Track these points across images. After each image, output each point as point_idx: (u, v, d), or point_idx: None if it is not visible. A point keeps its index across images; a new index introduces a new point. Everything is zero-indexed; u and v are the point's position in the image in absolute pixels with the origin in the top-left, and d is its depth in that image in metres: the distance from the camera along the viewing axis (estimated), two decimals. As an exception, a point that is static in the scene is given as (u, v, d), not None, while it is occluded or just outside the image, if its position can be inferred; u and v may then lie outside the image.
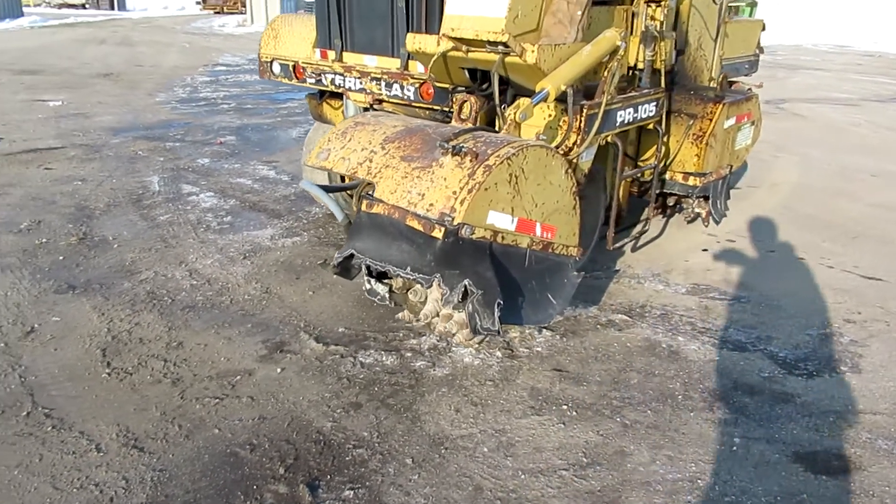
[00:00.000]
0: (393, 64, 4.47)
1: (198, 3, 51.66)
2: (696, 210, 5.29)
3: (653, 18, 4.24)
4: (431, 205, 2.97)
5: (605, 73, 3.74)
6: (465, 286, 2.95)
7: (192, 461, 2.75)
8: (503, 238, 3.13)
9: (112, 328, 3.75)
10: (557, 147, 3.58)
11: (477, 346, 3.61)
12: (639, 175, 4.76)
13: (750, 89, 6.00)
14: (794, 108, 11.91)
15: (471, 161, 3.00)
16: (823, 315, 4.13)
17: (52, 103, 10.30)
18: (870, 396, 3.30)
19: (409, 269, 3.03)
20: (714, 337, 3.84)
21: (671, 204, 5.40)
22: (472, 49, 3.61)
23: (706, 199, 5.04)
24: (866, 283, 4.60)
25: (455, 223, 2.89)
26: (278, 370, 3.40)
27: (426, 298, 3.38)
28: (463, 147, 3.02)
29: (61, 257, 4.65)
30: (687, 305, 4.22)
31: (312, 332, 3.77)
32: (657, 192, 5.07)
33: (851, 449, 2.92)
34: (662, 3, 4.24)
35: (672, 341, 3.78)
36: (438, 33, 3.71)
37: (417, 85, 4.37)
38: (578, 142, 3.66)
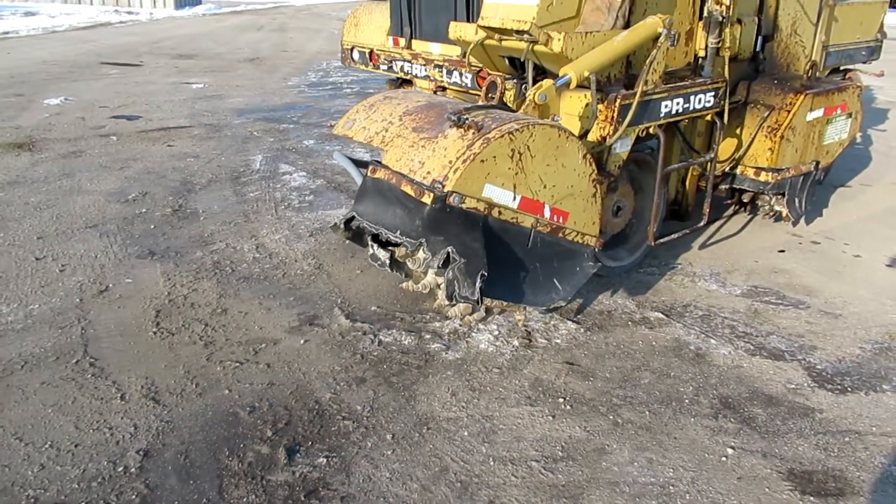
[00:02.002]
0: (454, 51, 4.56)
1: (359, -11, 53.67)
2: (776, 208, 4.95)
3: (718, 3, 4.02)
4: (428, 172, 3.05)
5: (646, 62, 3.61)
6: (448, 252, 3.00)
7: (196, 416, 3.02)
8: (501, 213, 3.14)
9: (172, 292, 4.13)
10: (585, 135, 3.52)
11: (477, 321, 3.65)
12: (704, 168, 4.54)
13: (851, 79, 5.51)
14: (957, 99, 10.67)
15: (472, 133, 3.03)
16: (888, 328, 3.79)
17: (196, 86, 11.21)
18: (903, 420, 3.02)
19: (398, 232, 3.14)
20: (751, 342, 3.64)
21: (746, 201, 5.09)
22: (504, 38, 3.62)
23: (784, 195, 4.71)
24: (956, 298, 4.14)
25: (444, 190, 2.94)
26: (302, 342, 3.62)
27: (427, 270, 3.47)
28: (467, 119, 3.06)
29: (153, 226, 5.14)
30: (735, 308, 4.01)
31: (346, 308, 3.95)
32: (730, 187, 4.82)
33: (856, 472, 2.70)
34: (730, -14, 4.00)
35: (703, 344, 3.62)
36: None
37: (475, 72, 4.43)
38: (611, 132, 3.58)
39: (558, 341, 3.64)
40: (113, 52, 15.12)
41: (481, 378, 3.32)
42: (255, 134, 8.05)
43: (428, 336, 3.66)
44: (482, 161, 2.97)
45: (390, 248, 3.54)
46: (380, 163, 3.31)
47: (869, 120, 8.92)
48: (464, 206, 2.99)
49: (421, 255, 3.15)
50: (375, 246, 3.56)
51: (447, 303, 3.58)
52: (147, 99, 10.01)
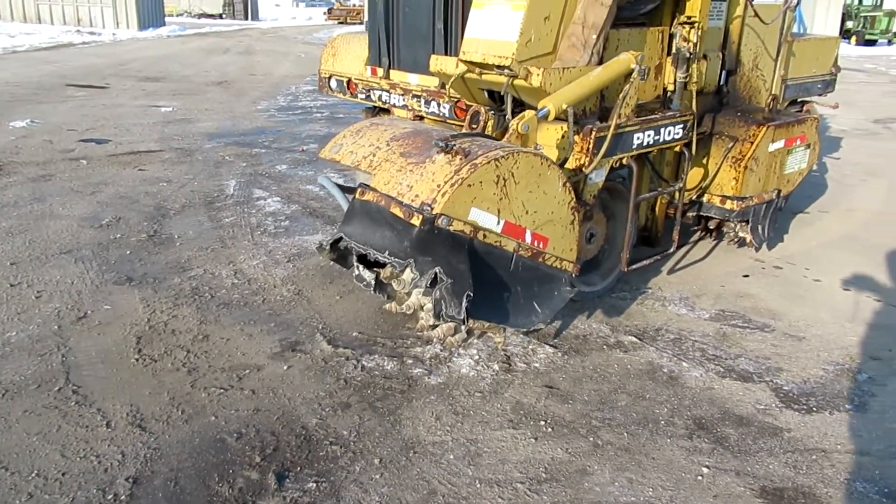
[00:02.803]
0: (432, 82, 4.67)
1: (324, 14, 54.01)
2: (741, 234, 5.16)
3: (685, 40, 4.21)
4: (417, 195, 3.14)
5: (619, 96, 3.77)
6: (436, 273, 3.08)
7: (183, 443, 3.04)
8: (486, 237, 3.24)
9: (152, 318, 4.14)
10: (562, 165, 3.65)
11: (458, 343, 3.75)
12: (672, 196, 4.71)
13: (808, 111, 5.78)
14: (906, 128, 11.17)
15: (460, 159, 3.14)
16: (848, 350, 3.97)
17: (164, 109, 11.19)
18: (866, 437, 3.18)
19: (387, 252, 3.23)
20: (721, 365, 3.78)
21: (712, 227, 5.29)
22: (484, 72, 3.75)
23: (748, 223, 4.91)
24: (911, 320, 4.36)
25: (433, 213, 3.03)
26: (285, 367, 3.66)
27: (411, 291, 3.55)
28: (455, 145, 3.17)
29: (128, 252, 5.14)
30: (705, 331, 4.16)
31: (328, 334, 4.01)
32: (697, 214, 5.01)
33: (824, 489, 2.83)
34: (696, 24, 4.20)
35: (675, 367, 3.76)
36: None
37: (453, 103, 4.55)
38: (587, 163, 3.72)
39: (537, 365, 3.74)
40: (78, 74, 15.00)
41: (464, 402, 3.40)
42: (227, 158, 8.07)
43: (410, 361, 3.74)
44: (469, 185, 3.08)
45: (375, 269, 3.61)
46: (368, 186, 3.40)
47: (824, 148, 9.26)
48: (451, 228, 3.09)
49: (408, 275, 3.23)
50: (361, 267, 3.63)
51: (429, 323, 3.67)
52: (115, 122, 9.97)
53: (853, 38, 32.47)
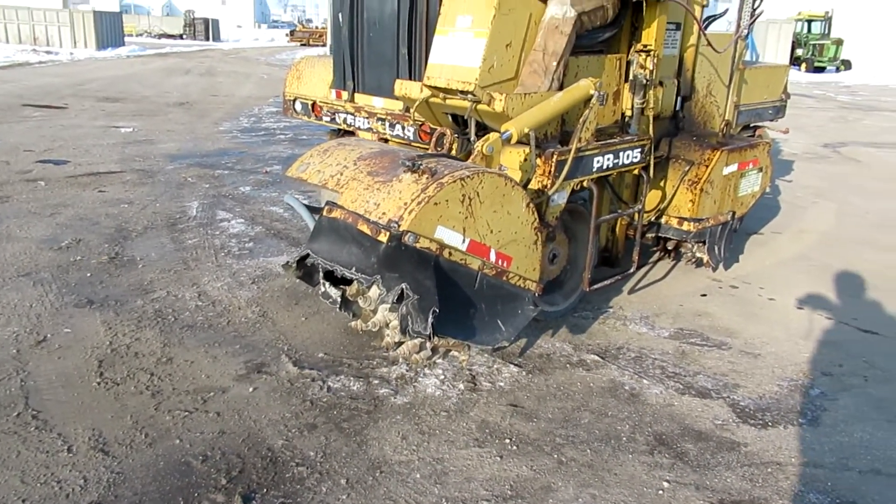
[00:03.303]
0: (396, 106, 4.75)
1: (286, 35, 54.06)
2: (698, 255, 5.31)
3: (642, 67, 4.36)
4: (384, 213, 3.19)
5: (579, 121, 3.88)
6: (402, 289, 3.13)
7: (147, 467, 3.01)
8: (451, 254, 3.30)
9: (114, 342, 4.10)
10: (525, 186, 3.74)
11: (423, 361, 3.79)
12: (632, 218, 4.84)
13: (760, 136, 5.99)
14: (853, 152, 11.60)
15: (427, 178, 3.21)
16: (801, 366, 4.11)
17: (124, 130, 11.08)
18: (819, 450, 3.29)
19: (354, 269, 3.26)
20: (680, 382, 3.88)
21: (670, 248, 5.43)
22: (448, 96, 3.84)
23: (704, 243, 5.06)
24: (860, 337, 4.53)
25: (400, 229, 3.09)
26: (250, 389, 3.66)
27: (377, 308, 3.59)
28: (422, 165, 3.24)
29: (89, 274, 5.08)
30: (664, 349, 4.26)
31: (293, 355, 4.01)
32: (656, 235, 5.15)
33: (779, 500, 2.93)
34: (652, 52, 4.35)
35: (636, 384, 3.84)
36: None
37: (417, 126, 4.62)
38: (549, 185, 3.81)
39: (502, 384, 3.80)
40: (35, 94, 14.78)
41: (430, 421, 3.43)
42: (190, 180, 8.02)
43: (376, 381, 3.76)
44: (436, 204, 3.15)
45: (342, 286, 3.64)
46: (335, 203, 3.44)
47: (777, 171, 9.57)
48: (417, 245, 3.15)
49: (374, 292, 3.28)
50: (327, 284, 3.66)
51: (395, 340, 3.70)
52: (74, 143, 9.85)
53: (803, 65, 33.60)
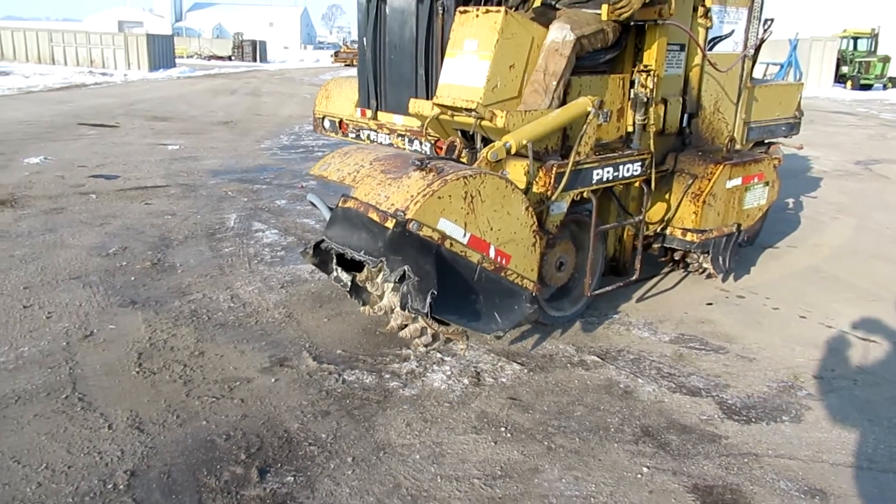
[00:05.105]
0: (415, 123, 5.10)
1: (331, 56, 55.27)
2: (704, 265, 5.52)
3: (643, 86, 4.63)
4: (392, 204, 3.55)
5: (578, 136, 4.17)
6: (405, 270, 3.47)
7: (177, 442, 3.38)
8: (452, 245, 3.63)
9: (153, 337, 4.50)
10: (527, 193, 4.04)
11: (424, 345, 4.17)
12: (636, 228, 5.09)
13: (773, 152, 6.18)
14: (885, 169, 11.60)
15: (433, 175, 3.57)
16: (794, 370, 4.29)
17: (171, 147, 11.69)
18: (796, 444, 3.50)
19: (363, 252, 3.63)
20: (674, 382, 4.11)
21: (678, 258, 5.65)
22: (456, 114, 4.17)
23: (708, 254, 5.28)
24: (857, 344, 4.69)
25: (405, 218, 3.44)
26: (273, 380, 4.01)
27: (383, 293, 3.95)
28: (429, 164, 3.61)
29: (133, 278, 5.52)
30: (663, 353, 4.50)
31: (313, 351, 4.36)
32: (662, 246, 5.38)
33: (751, 486, 3.15)
34: (652, 72, 4.63)
35: (631, 382, 4.09)
36: (435, 100, 4.33)
37: (433, 142, 4.97)
38: (549, 195, 4.10)
39: (504, 380, 4.08)
40: (89, 113, 15.59)
41: (433, 411, 3.73)
42: (230, 194, 8.50)
43: (388, 375, 4.08)
44: (439, 197, 3.49)
45: (353, 272, 4.01)
46: (350, 196, 3.82)
47: (803, 188, 9.69)
48: (421, 233, 3.49)
49: (381, 278, 3.64)
50: (339, 269, 4.05)
51: (398, 323, 4.11)
52: (124, 159, 10.45)
53: (849, 83, 33.17)
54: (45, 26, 50.08)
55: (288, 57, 61.85)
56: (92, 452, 3.28)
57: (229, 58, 53.20)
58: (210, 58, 53.68)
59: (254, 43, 53.82)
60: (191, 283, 5.46)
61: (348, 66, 47.63)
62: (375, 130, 5.50)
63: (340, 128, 5.90)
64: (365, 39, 5.35)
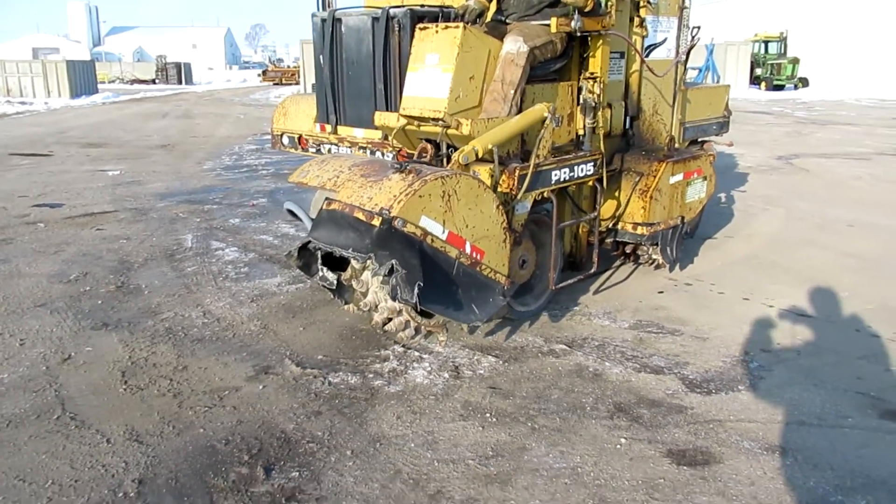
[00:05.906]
0: (376, 135, 5.32)
1: (259, 75, 54.79)
2: (654, 256, 5.90)
3: (590, 92, 4.97)
4: (376, 203, 3.78)
5: (537, 140, 4.46)
6: (392, 264, 3.69)
7: (178, 450, 3.49)
8: (433, 241, 3.88)
9: (132, 356, 4.57)
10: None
11: (408, 338, 4.41)
12: (591, 225, 5.42)
13: (706, 149, 6.63)
14: (804, 163, 12.37)
15: (412, 176, 3.83)
16: (744, 345, 4.67)
17: (111, 173, 11.55)
18: (753, 409, 3.85)
19: (350, 249, 3.84)
20: (638, 363, 4.43)
21: (629, 252, 6.02)
22: (422, 124, 4.41)
23: (657, 245, 5.65)
24: (797, 320, 5.11)
25: (391, 215, 3.67)
26: (260, 387, 4.14)
27: (367, 290, 4.15)
28: (408, 166, 3.87)
29: (100, 301, 5.54)
30: (624, 338, 4.82)
31: (295, 358, 4.51)
32: (614, 240, 5.73)
33: (718, 448, 3.47)
34: (598, 78, 4.97)
35: (599, 366, 4.39)
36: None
37: (395, 152, 5.19)
38: (514, 196, 4.38)
39: (482, 372, 4.32)
40: (19, 143, 15.21)
41: (420, 404, 3.94)
42: (181, 215, 8.51)
43: (371, 375, 4.27)
44: (420, 196, 3.74)
45: (337, 272, 4.20)
46: (333, 198, 4.01)
47: (732, 183, 10.29)
48: (405, 229, 3.73)
49: (367, 276, 3.84)
50: (325, 269, 4.25)
51: (383, 318, 4.36)
52: (65, 187, 10.30)
53: (763, 84, 34.89)
54: (-45, 56, 48.08)
55: (214, 78, 61.03)
56: (96, 466, 3.36)
57: (153, 81, 52.18)
58: (133, 82, 52.54)
59: (178, 65, 52.95)
60: (160, 303, 5.52)
61: (277, 84, 47.36)
62: (336, 144, 5.68)
63: (300, 143, 6.06)
64: (322, 57, 5.54)
